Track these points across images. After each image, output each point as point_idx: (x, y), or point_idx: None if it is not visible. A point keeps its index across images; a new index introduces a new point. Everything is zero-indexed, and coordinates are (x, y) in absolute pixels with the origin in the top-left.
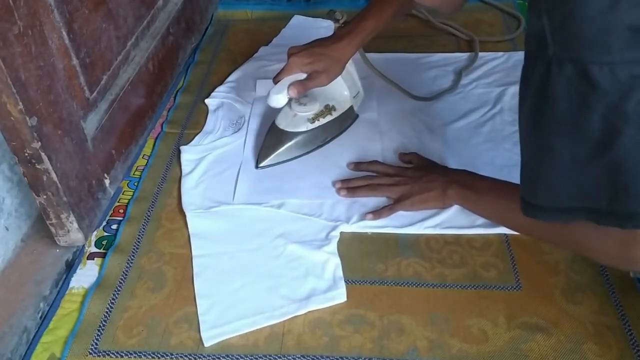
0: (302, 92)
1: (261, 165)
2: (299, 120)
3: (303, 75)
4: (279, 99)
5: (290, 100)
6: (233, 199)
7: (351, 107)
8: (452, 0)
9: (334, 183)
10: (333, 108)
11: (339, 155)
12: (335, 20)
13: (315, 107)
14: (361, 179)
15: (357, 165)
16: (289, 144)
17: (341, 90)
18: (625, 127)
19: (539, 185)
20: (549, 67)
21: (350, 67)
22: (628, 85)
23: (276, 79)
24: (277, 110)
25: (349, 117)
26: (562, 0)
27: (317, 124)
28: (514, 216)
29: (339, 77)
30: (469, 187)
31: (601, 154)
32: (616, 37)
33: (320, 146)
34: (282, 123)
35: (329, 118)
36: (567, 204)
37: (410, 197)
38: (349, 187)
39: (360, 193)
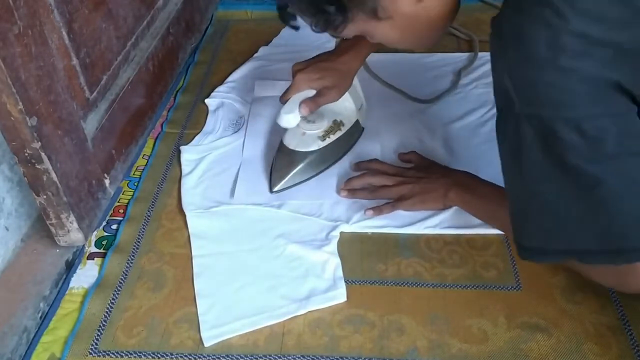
0: (314, 110)
1: (275, 189)
2: (309, 138)
3: (312, 92)
4: (290, 119)
5: (298, 128)
6: (232, 197)
7: (357, 121)
8: (425, 41)
9: (334, 182)
10: (341, 123)
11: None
12: None
13: (324, 124)
14: (361, 179)
15: (357, 164)
16: (302, 164)
17: (347, 104)
18: (601, 175)
19: (528, 228)
20: (518, 122)
21: (354, 79)
22: (597, 137)
23: (284, 98)
24: (277, 120)
25: (356, 131)
26: (519, 65)
27: (327, 141)
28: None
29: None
30: (470, 191)
31: (582, 200)
32: (577, 95)
33: (333, 164)
34: (292, 143)
35: (338, 134)
36: (557, 247)
37: (411, 198)
38: (349, 188)
39: (360, 195)
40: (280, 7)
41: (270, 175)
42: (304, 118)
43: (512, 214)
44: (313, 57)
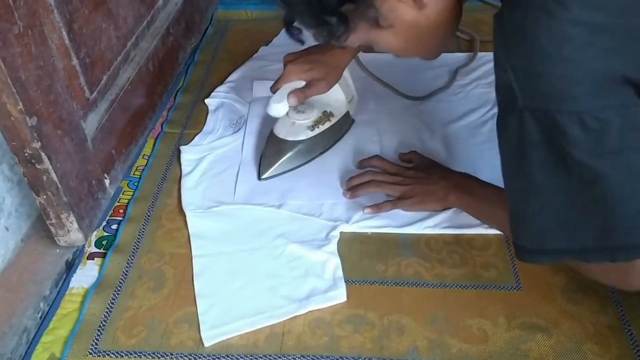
0: (302, 100)
1: (264, 177)
2: (298, 128)
3: (302, 83)
4: (279, 108)
5: (288, 116)
6: (233, 197)
7: (347, 113)
8: (430, 48)
9: (334, 183)
10: (331, 114)
11: (339, 156)
12: None
13: (314, 114)
14: (362, 176)
15: (360, 162)
16: (290, 153)
17: (337, 95)
18: (604, 169)
19: (526, 228)
20: (521, 117)
21: (345, 72)
22: (599, 130)
23: (274, 88)
24: (267, 109)
25: (345, 123)
26: (522, 58)
27: (316, 131)
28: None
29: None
30: (470, 193)
31: (583, 196)
32: (580, 87)
33: (321, 154)
34: (282, 132)
35: (327, 125)
36: (556, 246)
37: (411, 198)
38: (351, 187)
39: (362, 190)
40: (286, 21)
41: (260, 163)
42: (293, 108)
43: (511, 215)
44: (304, 49)
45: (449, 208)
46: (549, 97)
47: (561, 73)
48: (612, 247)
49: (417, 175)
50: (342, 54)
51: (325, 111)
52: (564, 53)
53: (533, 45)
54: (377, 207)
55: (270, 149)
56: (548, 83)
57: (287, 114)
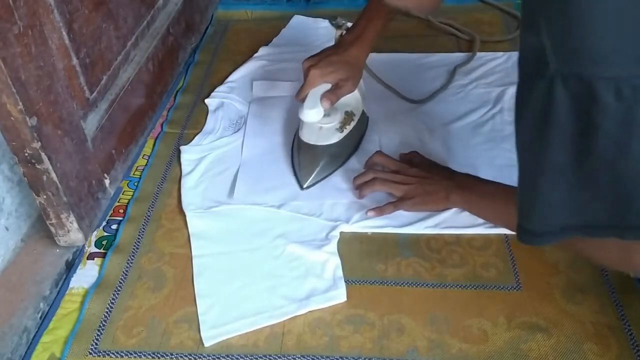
0: (335, 102)
1: (306, 185)
2: (328, 132)
3: (327, 86)
4: (314, 114)
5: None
6: (232, 197)
7: (363, 111)
8: (423, 3)
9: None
10: (352, 114)
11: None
12: (337, 27)
13: (338, 116)
14: (365, 175)
15: (366, 163)
16: (327, 158)
17: (355, 94)
18: (632, 142)
19: (535, 205)
20: (551, 84)
21: None
22: (632, 99)
23: (301, 95)
24: (276, 119)
25: (364, 120)
26: (561, 15)
27: (345, 132)
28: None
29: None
30: (472, 191)
31: (605, 171)
32: (623, 52)
33: (352, 154)
34: (312, 138)
35: (352, 124)
36: (564, 222)
37: (412, 198)
38: (356, 185)
39: (367, 190)
40: None
41: (296, 172)
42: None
43: (520, 191)
44: (320, 52)
45: (450, 208)
46: (586, 60)
47: (604, 35)
48: (625, 225)
49: (420, 174)
50: (359, 51)
51: (347, 111)
52: (609, 14)
53: (573, 3)
54: (380, 210)
55: (305, 157)
56: (588, 45)
57: (320, 126)
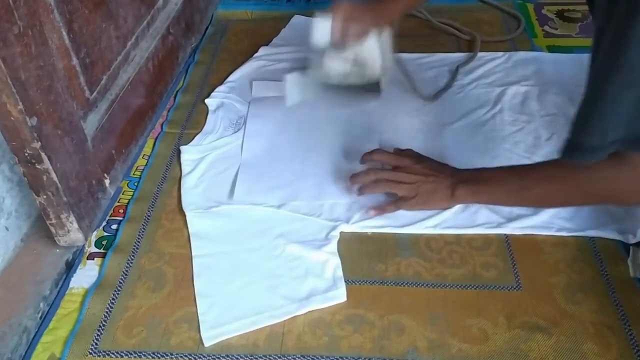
0: (361, 33)
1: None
2: (334, 72)
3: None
4: (322, 34)
5: (325, 53)
6: (232, 197)
7: (379, 81)
8: None
9: (334, 182)
10: (363, 69)
11: (338, 156)
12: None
13: (348, 65)
14: (365, 175)
15: (362, 157)
16: (319, 83)
17: (374, 56)
18: None
19: (597, 118)
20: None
21: (386, 39)
22: None
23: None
24: (275, 119)
25: (375, 89)
26: None
27: (348, 81)
28: (531, 192)
29: (374, 41)
30: (475, 181)
31: None
32: None
33: (343, 105)
34: (317, 74)
35: (358, 80)
36: (619, 135)
37: (414, 198)
38: (357, 184)
39: (368, 190)
40: None
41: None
42: (331, 55)
43: (585, 107)
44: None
45: (453, 206)
46: None
47: None
48: None
49: (422, 171)
50: (392, 7)
51: (358, 62)
52: None
53: None
54: (381, 209)
55: (306, 77)
56: None
57: (325, 59)
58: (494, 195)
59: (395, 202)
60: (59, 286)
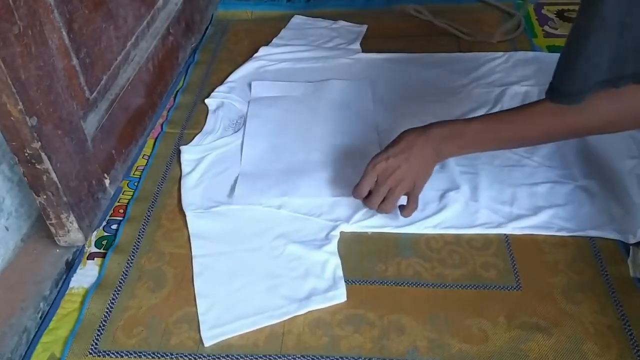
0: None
1: None
2: None
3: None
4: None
5: None
6: (232, 197)
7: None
8: None
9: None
10: None
11: (338, 154)
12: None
13: None
14: (376, 198)
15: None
16: None
17: None
18: None
19: (579, 65)
20: None
21: None
22: None
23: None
24: (275, 119)
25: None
26: None
27: None
28: (521, 134)
29: None
30: (460, 136)
31: None
32: None
33: None
34: None
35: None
36: (600, 77)
37: (415, 185)
38: (375, 207)
39: (385, 211)
40: None
41: None
42: None
43: (567, 56)
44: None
45: (445, 160)
46: None
47: None
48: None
49: (398, 160)
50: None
51: None
52: None
53: None
54: (408, 210)
55: None
56: None
57: None
58: (483, 145)
59: (409, 200)
60: (59, 286)
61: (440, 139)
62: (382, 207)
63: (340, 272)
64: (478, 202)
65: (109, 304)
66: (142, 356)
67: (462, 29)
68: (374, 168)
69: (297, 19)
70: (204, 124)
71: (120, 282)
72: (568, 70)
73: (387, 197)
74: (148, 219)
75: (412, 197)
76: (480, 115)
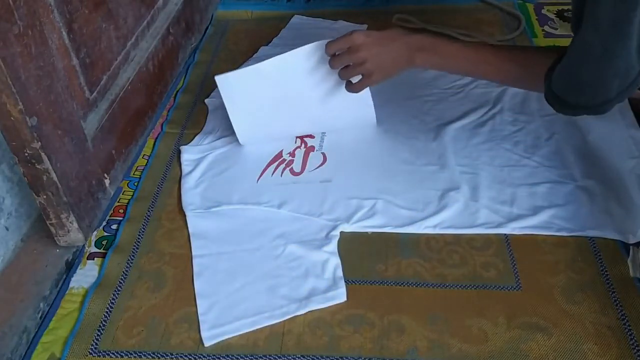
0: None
1: None
2: None
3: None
4: None
5: None
6: (233, 198)
7: None
8: None
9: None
10: None
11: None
12: None
13: None
14: (342, 58)
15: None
16: None
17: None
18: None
19: (569, 80)
20: None
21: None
22: None
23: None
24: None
25: None
26: None
27: None
28: (494, 67)
29: None
30: (436, 53)
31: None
32: None
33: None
34: None
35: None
36: (580, 102)
37: (375, 72)
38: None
39: (343, 77)
40: None
41: None
42: None
43: (565, 66)
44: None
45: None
46: None
47: None
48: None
49: (376, 43)
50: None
51: None
52: None
53: None
54: (351, 88)
55: None
56: None
57: None
58: (454, 70)
59: (360, 81)
60: (59, 286)
61: (417, 47)
62: (341, 73)
63: (340, 272)
64: (478, 202)
65: (109, 304)
66: (142, 356)
67: (458, 30)
68: (350, 36)
69: (297, 19)
70: (204, 124)
71: (120, 282)
72: (594, 87)
73: (347, 68)
74: (148, 219)
75: (362, 84)
76: (465, 42)
